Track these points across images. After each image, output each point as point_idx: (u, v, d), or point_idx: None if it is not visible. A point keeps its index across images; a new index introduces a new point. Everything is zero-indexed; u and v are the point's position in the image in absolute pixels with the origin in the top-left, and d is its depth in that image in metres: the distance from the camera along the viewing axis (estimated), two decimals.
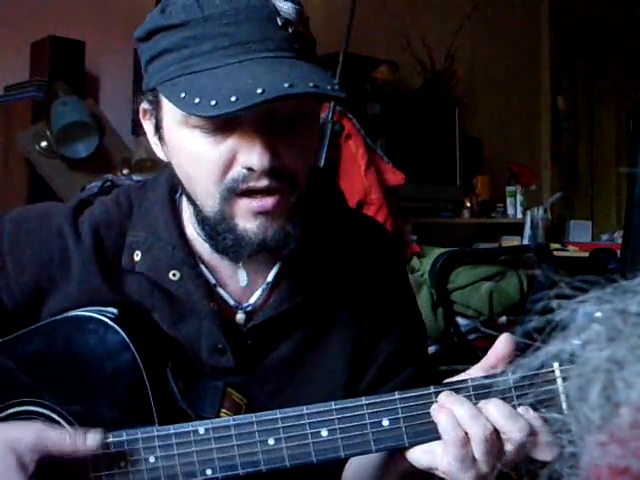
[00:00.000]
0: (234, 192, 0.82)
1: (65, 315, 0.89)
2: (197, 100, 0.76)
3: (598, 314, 0.42)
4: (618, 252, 2.88)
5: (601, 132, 5.50)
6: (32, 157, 2.68)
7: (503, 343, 0.78)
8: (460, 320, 2.89)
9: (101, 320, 0.87)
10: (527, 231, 4.17)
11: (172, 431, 0.83)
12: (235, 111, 0.74)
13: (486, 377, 0.77)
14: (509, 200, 4.35)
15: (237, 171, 0.81)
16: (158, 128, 0.87)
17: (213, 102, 0.74)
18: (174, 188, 0.95)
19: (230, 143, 0.81)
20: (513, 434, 0.73)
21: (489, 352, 0.79)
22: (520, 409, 0.75)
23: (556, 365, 0.73)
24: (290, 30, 0.80)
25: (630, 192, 2.32)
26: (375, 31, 3.79)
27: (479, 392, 0.77)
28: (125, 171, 2.67)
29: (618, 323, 0.41)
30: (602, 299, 0.42)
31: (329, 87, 0.77)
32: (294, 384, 0.94)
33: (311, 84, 0.75)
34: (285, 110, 0.81)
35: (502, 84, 4.59)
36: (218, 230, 0.85)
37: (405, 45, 3.91)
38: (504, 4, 4.60)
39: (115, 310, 0.88)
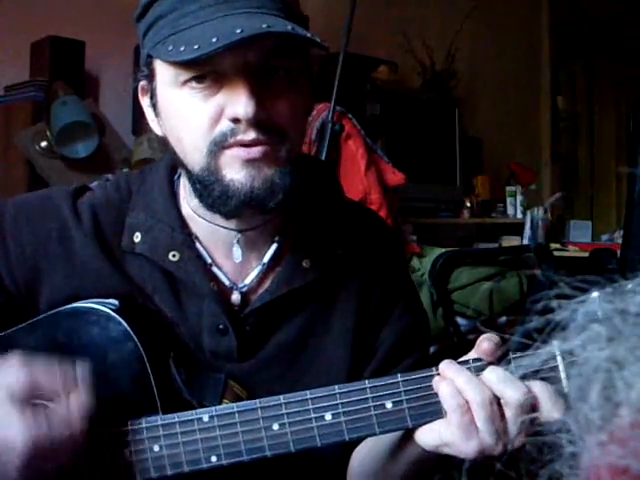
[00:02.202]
0: (221, 145, 0.83)
1: (67, 307, 0.90)
2: (182, 48, 0.79)
3: (599, 312, 0.42)
4: (618, 252, 2.88)
5: (601, 132, 5.50)
6: (32, 157, 2.68)
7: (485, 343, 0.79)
8: (460, 320, 2.89)
9: (103, 311, 0.87)
10: (527, 231, 4.17)
11: (176, 419, 0.84)
12: (216, 49, 0.76)
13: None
14: (509, 200, 4.35)
15: (225, 124, 0.83)
16: (152, 99, 0.89)
17: (196, 46, 0.77)
18: (172, 171, 0.97)
19: (218, 98, 0.83)
20: (511, 398, 0.74)
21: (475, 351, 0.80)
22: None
23: (555, 343, 0.74)
24: None
25: (630, 192, 2.32)
26: (375, 31, 3.79)
27: (479, 365, 0.79)
28: (125, 171, 2.68)
29: (618, 323, 0.41)
30: (602, 299, 0.42)
31: (309, 35, 0.79)
32: (295, 371, 0.95)
33: (289, 27, 0.78)
34: (272, 62, 0.83)
35: (502, 84, 4.59)
36: (206, 183, 0.85)
37: (405, 45, 3.91)
38: (504, 4, 4.60)
39: (116, 301, 0.89)
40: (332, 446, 0.81)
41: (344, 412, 0.80)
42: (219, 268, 0.95)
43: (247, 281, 0.95)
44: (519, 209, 4.31)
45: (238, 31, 0.76)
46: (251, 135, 0.82)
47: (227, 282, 0.94)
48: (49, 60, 2.78)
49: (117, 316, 0.87)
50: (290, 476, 0.92)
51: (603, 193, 5.45)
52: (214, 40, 0.76)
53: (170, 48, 0.80)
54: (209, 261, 0.94)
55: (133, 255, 0.93)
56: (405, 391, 0.79)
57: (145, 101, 0.92)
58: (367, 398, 0.79)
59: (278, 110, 0.84)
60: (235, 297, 0.94)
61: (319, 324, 0.96)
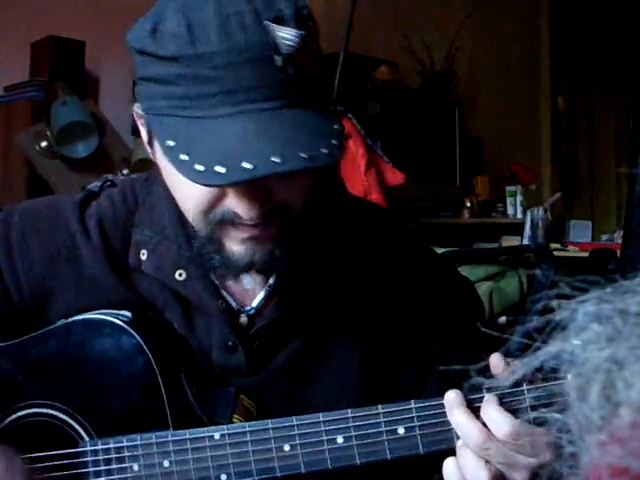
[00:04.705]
0: (223, 223, 0.81)
1: (80, 317, 0.89)
2: (183, 157, 0.73)
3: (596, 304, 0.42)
4: (618, 252, 2.88)
5: (601, 132, 5.49)
6: (32, 157, 2.68)
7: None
8: None
9: (116, 324, 0.86)
10: (527, 231, 4.18)
11: (187, 436, 0.83)
12: (220, 185, 0.73)
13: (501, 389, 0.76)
14: (509, 200, 4.35)
15: (226, 209, 0.80)
16: (150, 142, 0.85)
17: (199, 167, 0.72)
18: None
19: None
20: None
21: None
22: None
23: (570, 377, 0.73)
24: (290, 71, 0.75)
25: (630, 192, 2.32)
26: (375, 31, 3.79)
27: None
28: (125, 171, 2.67)
29: (618, 323, 0.41)
30: (602, 299, 0.42)
31: (324, 150, 0.73)
32: (305, 381, 0.94)
33: (303, 154, 0.72)
34: None
35: (502, 84, 4.59)
36: (206, 250, 0.84)
37: (405, 45, 3.91)
38: (504, 4, 4.60)
39: (129, 313, 0.88)
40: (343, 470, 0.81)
41: (356, 436, 0.79)
42: (226, 290, 0.93)
43: (254, 304, 0.93)
44: (519, 209, 4.31)
45: (248, 166, 0.70)
46: (254, 222, 0.79)
47: (234, 304, 0.93)
48: (49, 60, 2.78)
49: (130, 329, 0.86)
50: None
51: (603, 193, 5.44)
52: (221, 171, 0.70)
53: (171, 144, 0.75)
54: (217, 283, 0.92)
55: (141, 272, 0.92)
56: (418, 417, 0.78)
57: (141, 129, 0.87)
58: (380, 423, 0.79)
59: (285, 192, 0.80)
60: (243, 319, 0.92)
61: (326, 332, 0.94)
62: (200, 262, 0.89)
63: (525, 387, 0.75)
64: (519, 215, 4.31)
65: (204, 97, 0.74)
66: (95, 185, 1.01)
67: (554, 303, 0.49)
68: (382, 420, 0.79)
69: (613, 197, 5.44)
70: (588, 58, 5.33)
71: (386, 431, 0.79)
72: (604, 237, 4.64)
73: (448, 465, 0.76)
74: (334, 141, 0.75)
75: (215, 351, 0.92)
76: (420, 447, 0.78)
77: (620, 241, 2.92)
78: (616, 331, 0.40)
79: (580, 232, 4.70)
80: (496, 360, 0.76)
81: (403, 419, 0.78)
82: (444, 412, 0.77)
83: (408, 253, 1.00)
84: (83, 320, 0.89)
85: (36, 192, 2.61)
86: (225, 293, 0.93)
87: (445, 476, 0.76)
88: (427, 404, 0.78)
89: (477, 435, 0.74)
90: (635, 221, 2.09)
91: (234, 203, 0.78)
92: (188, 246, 0.90)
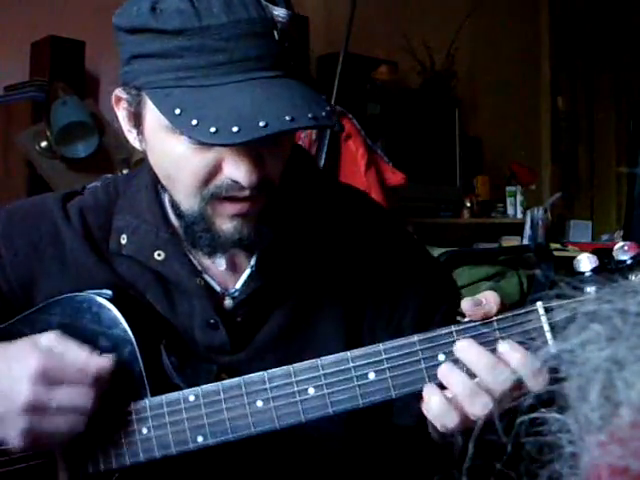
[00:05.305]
0: (215, 198, 0.83)
1: (61, 297, 0.91)
2: (195, 122, 0.76)
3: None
4: None
5: (601, 132, 5.49)
6: (32, 157, 2.68)
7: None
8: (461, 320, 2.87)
9: (95, 300, 0.89)
10: (527, 231, 4.17)
11: (163, 400, 0.85)
12: (238, 143, 0.75)
13: (470, 322, 0.78)
14: (509, 200, 4.35)
15: (221, 180, 0.82)
16: (137, 124, 0.87)
17: (213, 129, 0.75)
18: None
19: (217, 151, 0.81)
20: (495, 386, 0.74)
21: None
22: (502, 345, 0.75)
23: (539, 304, 0.74)
24: (286, 44, 0.80)
25: (630, 192, 2.33)
26: (375, 31, 3.79)
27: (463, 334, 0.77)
28: (125, 171, 2.67)
29: (618, 323, 0.41)
30: (602, 299, 0.42)
31: (324, 114, 0.78)
32: (290, 357, 0.94)
33: (310, 115, 0.77)
34: None
35: (502, 84, 4.58)
36: (195, 229, 0.86)
37: (405, 45, 3.91)
38: (504, 4, 4.60)
39: (109, 291, 0.91)
40: (320, 429, 0.81)
41: (327, 384, 0.79)
42: (208, 273, 0.95)
43: (238, 286, 0.95)
44: (519, 209, 4.31)
45: (262, 124, 0.74)
46: (245, 193, 0.83)
47: (218, 288, 0.95)
48: (49, 60, 2.78)
49: (108, 303, 0.88)
50: (284, 462, 0.92)
51: (603, 193, 5.44)
52: (235, 130, 0.74)
53: (178, 112, 0.77)
54: (199, 268, 0.94)
55: (122, 257, 0.94)
56: (387, 360, 0.78)
57: (122, 113, 0.89)
58: (349, 369, 0.79)
59: (273, 165, 0.85)
60: (228, 302, 0.94)
61: (309, 306, 0.96)
62: (177, 244, 0.93)
63: (495, 318, 0.76)
64: (519, 215, 4.31)
65: (211, 67, 0.78)
66: (95, 185, 1.03)
67: (554, 303, 0.50)
68: (351, 366, 0.79)
69: (613, 197, 5.44)
70: (588, 58, 5.33)
71: (356, 377, 0.79)
72: (604, 237, 4.63)
73: (435, 402, 0.75)
74: (328, 108, 0.80)
75: (198, 330, 0.93)
76: (392, 390, 0.78)
77: (620, 241, 2.92)
78: (616, 331, 0.40)
79: (580, 232, 4.70)
80: (468, 304, 0.77)
81: (373, 363, 0.78)
82: (414, 352, 0.77)
83: (383, 231, 1.03)
84: (65, 299, 0.91)
85: (36, 192, 2.59)
86: (208, 277, 0.94)
87: (435, 413, 0.76)
88: (395, 344, 0.78)
89: (492, 364, 0.74)
90: (635, 221, 2.10)
91: (232, 170, 0.81)
92: (166, 228, 0.93)
